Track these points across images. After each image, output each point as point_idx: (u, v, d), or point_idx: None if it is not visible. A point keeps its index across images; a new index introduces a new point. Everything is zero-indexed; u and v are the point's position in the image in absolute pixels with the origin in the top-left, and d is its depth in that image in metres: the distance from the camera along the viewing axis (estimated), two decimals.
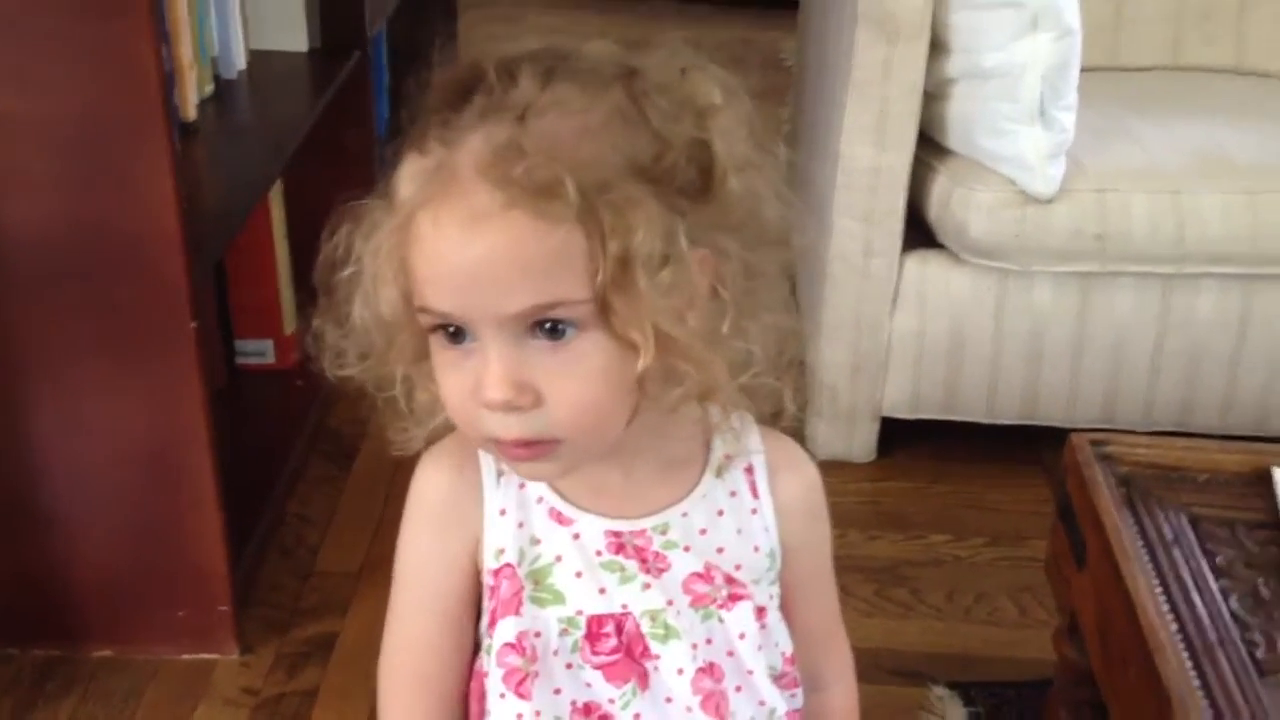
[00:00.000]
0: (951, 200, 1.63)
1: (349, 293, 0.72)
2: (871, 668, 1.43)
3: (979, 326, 1.68)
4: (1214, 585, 1.02)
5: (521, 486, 0.75)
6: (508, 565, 0.74)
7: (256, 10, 1.78)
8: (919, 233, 1.69)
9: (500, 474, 0.75)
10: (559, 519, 0.74)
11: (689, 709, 0.75)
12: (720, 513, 0.76)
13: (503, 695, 0.75)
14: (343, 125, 1.89)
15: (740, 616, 0.76)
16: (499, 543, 0.75)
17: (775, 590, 0.79)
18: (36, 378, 1.28)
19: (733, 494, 0.77)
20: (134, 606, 1.39)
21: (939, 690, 1.41)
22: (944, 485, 1.76)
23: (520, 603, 0.74)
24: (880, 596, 1.55)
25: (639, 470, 0.75)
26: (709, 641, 0.76)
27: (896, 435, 1.79)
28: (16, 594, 1.39)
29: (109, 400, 1.30)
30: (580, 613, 0.74)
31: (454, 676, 0.78)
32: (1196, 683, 0.92)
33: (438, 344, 0.69)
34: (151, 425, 1.31)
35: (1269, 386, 1.68)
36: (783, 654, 0.79)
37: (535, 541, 0.74)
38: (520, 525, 0.75)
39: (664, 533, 0.75)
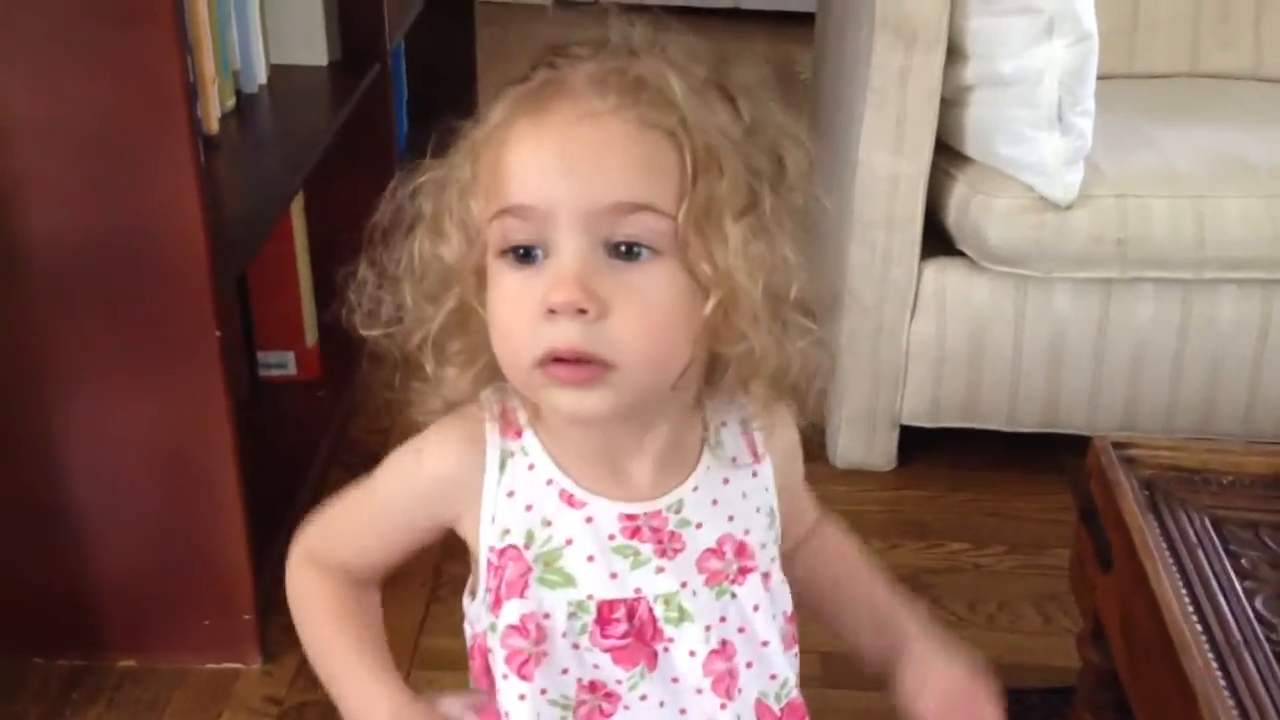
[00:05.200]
0: (970, 207, 1.63)
1: (400, 246, 0.74)
2: None
3: (999, 334, 1.67)
4: (1239, 586, 1.01)
5: (531, 468, 0.75)
6: (513, 547, 0.75)
7: (277, 24, 1.79)
8: (938, 240, 1.69)
9: (507, 456, 0.75)
10: (570, 502, 0.75)
11: (699, 690, 0.76)
12: (725, 481, 0.77)
13: (506, 676, 0.76)
14: (363, 139, 1.91)
15: (751, 589, 0.78)
16: (505, 523, 0.75)
17: (775, 551, 0.80)
18: (63, 387, 1.29)
19: (734, 459, 0.78)
20: (158, 616, 1.40)
21: None
22: (964, 493, 1.75)
23: (526, 585, 0.75)
24: None
25: (650, 453, 0.76)
26: (722, 620, 0.77)
27: (916, 443, 1.79)
28: (42, 604, 1.40)
29: (134, 410, 1.31)
30: (591, 597, 0.75)
31: (370, 561, 0.82)
32: (1223, 683, 0.92)
33: (503, 270, 0.70)
34: (176, 435, 1.32)
35: None
36: (785, 613, 0.81)
37: (546, 524, 0.75)
38: (529, 508, 0.75)
39: (678, 511, 0.76)
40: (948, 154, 1.68)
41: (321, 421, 1.74)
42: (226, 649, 1.41)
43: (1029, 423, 1.73)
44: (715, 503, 0.77)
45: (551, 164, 0.68)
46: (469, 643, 0.80)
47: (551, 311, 0.67)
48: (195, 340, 1.27)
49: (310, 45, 1.85)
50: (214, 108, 1.59)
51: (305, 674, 1.42)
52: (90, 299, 1.26)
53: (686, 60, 0.70)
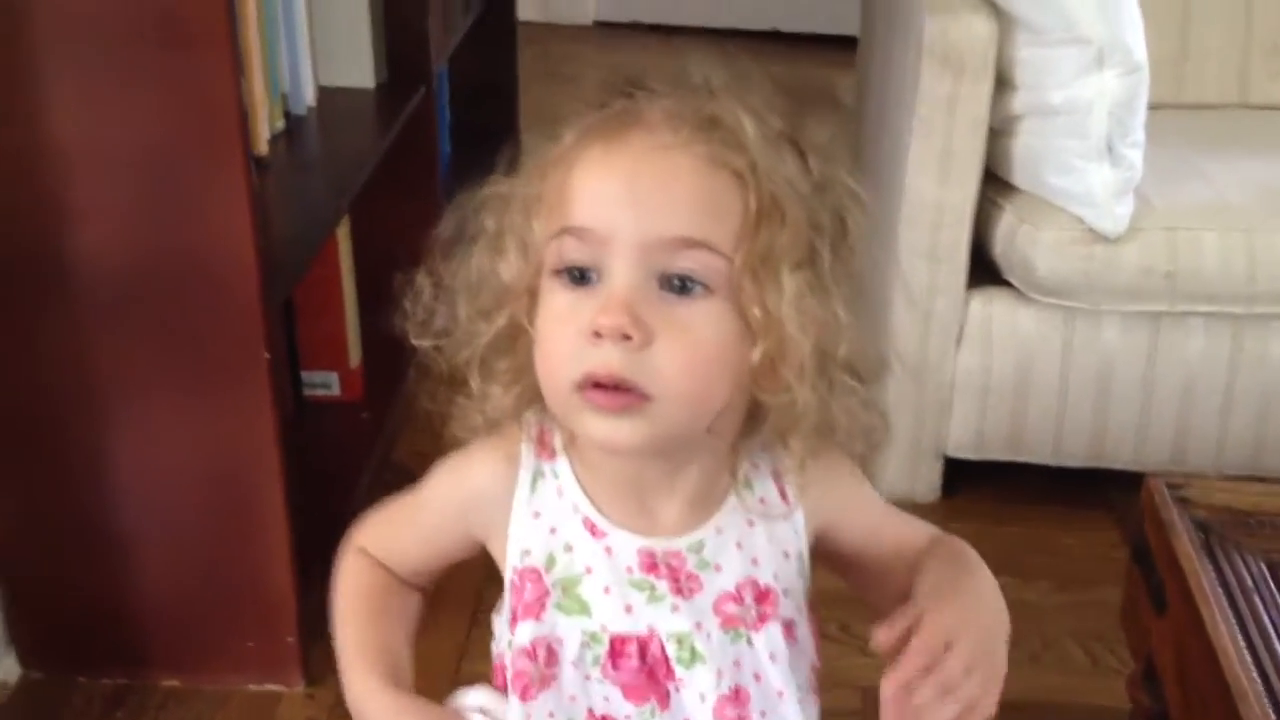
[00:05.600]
0: (1017, 237, 1.62)
1: (459, 259, 0.75)
2: None
3: (1045, 366, 1.66)
4: None
5: (559, 492, 0.76)
6: (532, 569, 0.75)
7: (325, 47, 1.80)
8: (984, 270, 1.68)
9: (539, 477, 0.76)
10: (593, 530, 0.75)
11: None
12: (750, 523, 0.77)
13: (513, 699, 0.77)
14: (408, 160, 1.92)
15: (770, 637, 0.76)
16: (526, 544, 0.76)
17: (803, 599, 0.79)
18: (112, 407, 1.30)
19: (761, 500, 0.77)
20: (203, 637, 1.40)
21: None
22: (1009, 527, 1.74)
23: (543, 608, 0.75)
24: None
25: (680, 494, 0.75)
26: (737, 664, 0.76)
27: (960, 476, 1.78)
28: (88, 622, 1.40)
29: (183, 431, 1.31)
30: (604, 628, 0.75)
31: (414, 567, 0.84)
32: None
33: (555, 289, 0.70)
34: (224, 456, 1.32)
35: None
36: (811, 665, 0.80)
37: (568, 549, 0.75)
38: (553, 531, 0.75)
39: (699, 551, 0.75)
40: (995, 183, 1.67)
41: (365, 443, 1.74)
42: (270, 671, 1.41)
43: (1075, 456, 1.71)
44: (739, 545, 0.76)
45: (617, 191, 0.68)
46: (494, 660, 0.80)
47: (597, 335, 0.67)
48: (244, 362, 1.27)
49: (357, 67, 1.85)
50: (263, 129, 1.60)
51: None
52: (142, 321, 1.26)
53: (763, 108, 0.71)
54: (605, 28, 3.75)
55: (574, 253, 0.69)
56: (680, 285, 0.68)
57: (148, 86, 1.18)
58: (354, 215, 1.79)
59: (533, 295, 0.72)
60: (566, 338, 0.69)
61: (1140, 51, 1.54)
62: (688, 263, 0.67)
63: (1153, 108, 1.60)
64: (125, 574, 1.37)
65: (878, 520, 0.82)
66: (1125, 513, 1.67)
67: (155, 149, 1.20)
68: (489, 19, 2.55)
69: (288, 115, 1.72)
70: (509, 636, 0.76)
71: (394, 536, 0.84)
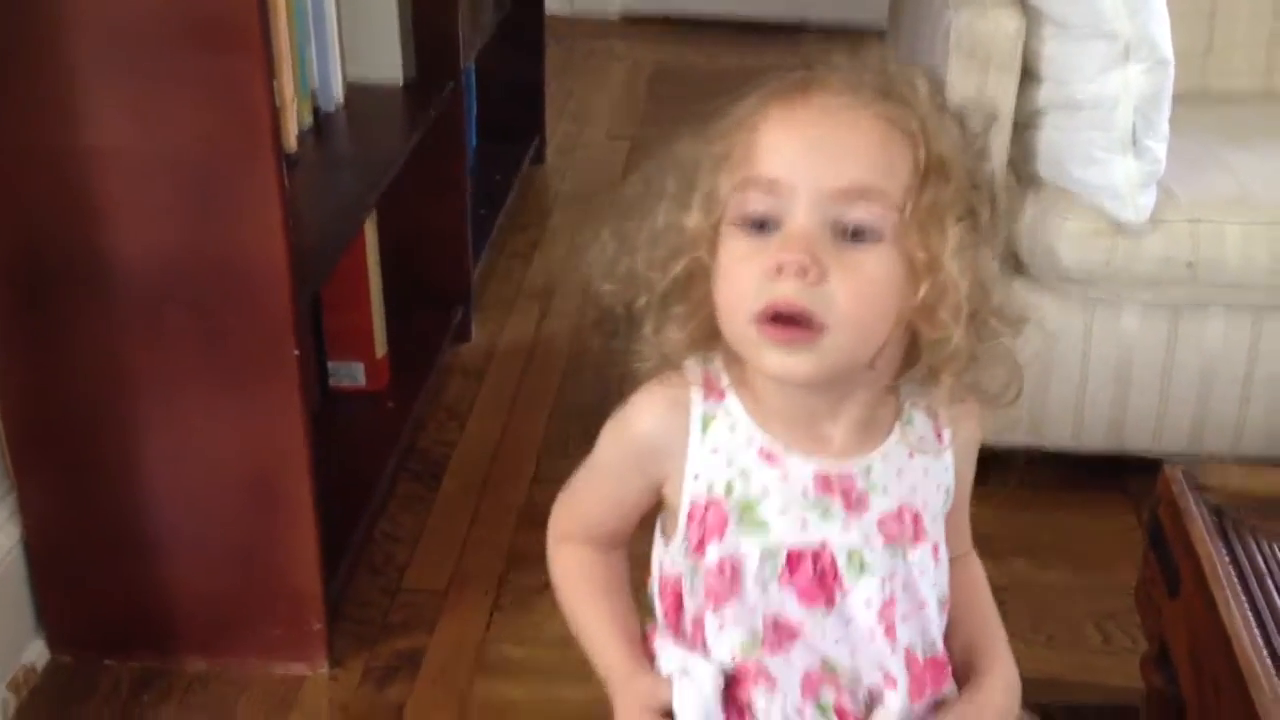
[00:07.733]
0: (1041, 228, 1.63)
1: (641, 214, 0.82)
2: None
3: (1066, 353, 1.67)
4: None
5: (732, 429, 0.82)
6: (714, 498, 0.82)
7: (354, 43, 1.82)
8: (1006, 259, 1.68)
9: (712, 417, 0.82)
10: (769, 459, 0.81)
11: (871, 634, 0.82)
12: (911, 455, 0.83)
13: (708, 610, 0.82)
14: (435, 155, 1.94)
15: (922, 555, 0.83)
16: (709, 478, 0.82)
17: (943, 525, 0.86)
18: (144, 401, 1.32)
19: (921, 438, 0.83)
20: (230, 621, 1.43)
21: (1022, 713, 1.40)
22: (1029, 511, 1.74)
23: (724, 532, 0.81)
24: None
25: (845, 420, 0.82)
26: (893, 576, 0.82)
27: (980, 460, 1.78)
28: (117, 607, 1.43)
29: (213, 422, 1.33)
30: (781, 544, 0.81)
31: (610, 528, 0.90)
32: None
33: (738, 237, 0.77)
34: (253, 447, 1.34)
35: None
36: (945, 580, 0.87)
37: (745, 477, 0.81)
38: (729, 463, 0.82)
39: (867, 474, 0.82)
40: (1019, 175, 1.67)
41: (390, 432, 1.77)
42: (295, 655, 1.44)
43: (1094, 442, 1.72)
44: (900, 474, 0.83)
45: (799, 144, 0.76)
46: (656, 584, 0.87)
47: (778, 270, 0.74)
48: (274, 358, 1.29)
49: (386, 64, 1.87)
50: (292, 126, 1.62)
51: (370, 679, 1.45)
52: (174, 318, 1.29)
53: (931, 86, 0.78)
54: (631, 21, 3.76)
55: (757, 204, 0.76)
56: (853, 234, 0.75)
57: (182, 89, 1.20)
58: (380, 207, 1.81)
59: (711, 245, 0.79)
60: (749, 275, 0.76)
61: (1166, 47, 1.55)
62: (860, 212, 0.75)
63: (1177, 98, 1.60)
64: (155, 562, 1.40)
65: (961, 499, 0.90)
66: (1142, 498, 1.68)
67: (189, 150, 1.23)
68: (517, 15, 2.56)
69: (316, 111, 1.74)
70: (687, 562, 0.83)
71: (584, 511, 0.91)
